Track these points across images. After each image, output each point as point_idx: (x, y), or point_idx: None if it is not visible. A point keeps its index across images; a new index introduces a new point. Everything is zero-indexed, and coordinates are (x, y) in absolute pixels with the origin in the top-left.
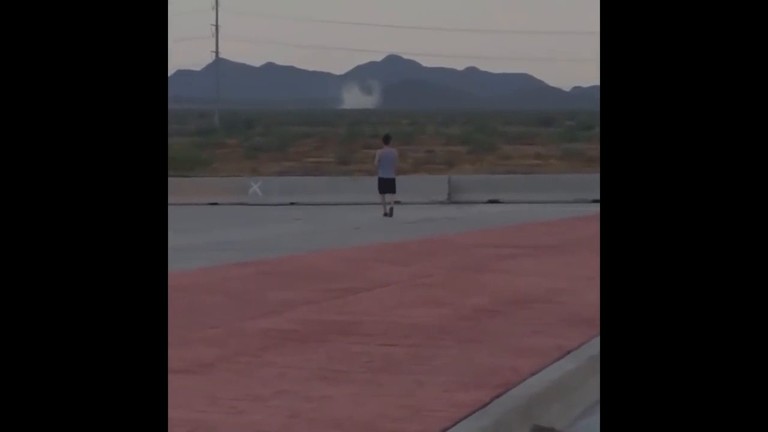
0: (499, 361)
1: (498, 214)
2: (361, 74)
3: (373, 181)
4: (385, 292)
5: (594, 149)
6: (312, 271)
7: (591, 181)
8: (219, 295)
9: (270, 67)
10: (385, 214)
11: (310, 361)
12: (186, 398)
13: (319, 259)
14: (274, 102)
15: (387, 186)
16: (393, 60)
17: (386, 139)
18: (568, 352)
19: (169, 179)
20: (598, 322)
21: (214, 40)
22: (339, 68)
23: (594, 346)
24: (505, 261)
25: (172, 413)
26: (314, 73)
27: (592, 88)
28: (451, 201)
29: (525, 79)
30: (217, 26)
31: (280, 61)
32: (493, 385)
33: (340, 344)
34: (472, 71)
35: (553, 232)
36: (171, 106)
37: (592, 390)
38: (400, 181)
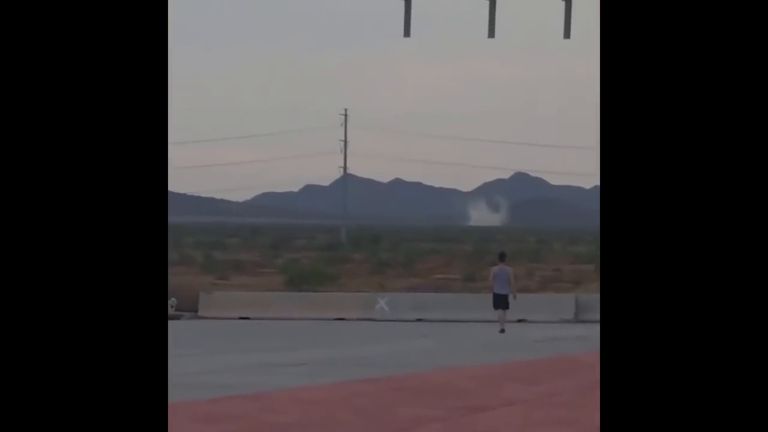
0: None
1: None
2: (489, 191)
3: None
4: (513, 410)
5: None
6: (440, 388)
7: None
8: (348, 411)
9: (397, 183)
10: (502, 331)
11: None
12: None
13: (448, 376)
14: (401, 218)
15: (500, 302)
16: (520, 177)
17: (501, 257)
18: None
19: (297, 293)
20: None
21: (342, 155)
22: (466, 185)
23: None
24: None
25: None
26: (441, 189)
27: None
28: (578, 320)
29: None
30: (345, 142)
31: (408, 177)
32: None
33: None
34: (599, 190)
35: None
36: (299, 220)
37: None
38: (527, 299)
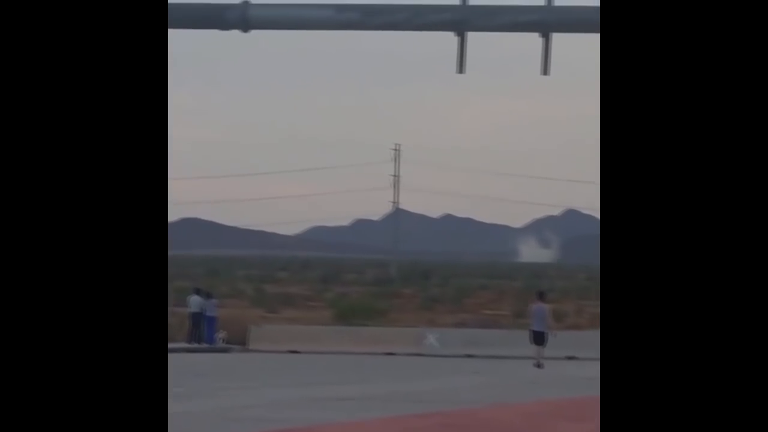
0: None
1: None
2: (539, 228)
3: (551, 336)
4: None
5: None
6: (491, 424)
7: None
8: None
9: (448, 218)
10: (538, 366)
11: None
12: None
13: (498, 412)
14: (452, 253)
15: (538, 338)
16: (571, 214)
17: (540, 296)
18: None
19: (346, 328)
20: None
21: (393, 190)
22: (517, 221)
23: None
24: None
25: None
26: (492, 225)
27: None
28: None
29: None
30: (396, 176)
31: (458, 212)
32: None
33: None
34: None
35: None
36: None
37: None
38: (577, 336)
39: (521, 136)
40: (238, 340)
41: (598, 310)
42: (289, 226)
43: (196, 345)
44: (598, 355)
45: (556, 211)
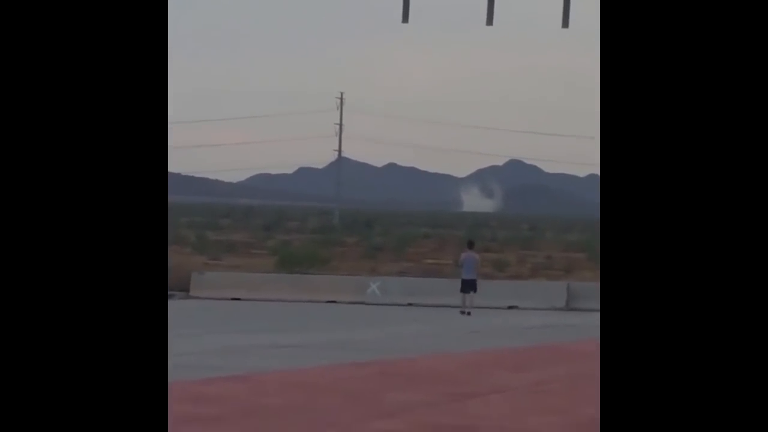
0: None
1: None
2: (483, 178)
3: (495, 285)
4: (502, 398)
5: None
6: (430, 373)
7: None
8: (337, 395)
9: (392, 167)
10: (465, 313)
11: None
12: None
13: (438, 361)
14: (395, 202)
15: (468, 286)
16: (515, 165)
17: (470, 245)
18: None
19: (289, 275)
20: None
21: (337, 139)
22: (460, 171)
23: None
24: None
25: None
26: (435, 174)
27: None
28: (569, 307)
29: None
30: (341, 125)
31: (402, 161)
32: None
33: None
34: (593, 178)
35: None
36: (292, 202)
37: None
38: (519, 286)
39: (467, 87)
40: (181, 287)
41: (540, 260)
42: (232, 174)
43: None
44: (539, 305)
45: (499, 161)
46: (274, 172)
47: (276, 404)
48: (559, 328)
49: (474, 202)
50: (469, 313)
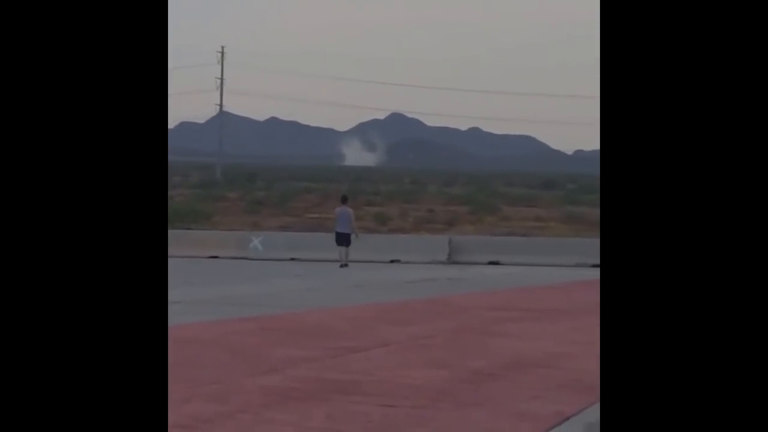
0: (499, 425)
1: (498, 276)
2: (365, 131)
3: (378, 239)
4: (385, 352)
5: (595, 213)
6: (313, 328)
7: (592, 246)
8: (220, 351)
9: (273, 121)
10: (343, 265)
11: (310, 419)
12: None
13: (321, 316)
14: (277, 156)
15: (342, 239)
16: (396, 118)
17: (343, 199)
18: (567, 418)
19: (170, 231)
20: (597, 388)
21: (218, 93)
22: (342, 125)
23: (593, 413)
24: (505, 324)
25: None
26: (317, 129)
27: (595, 152)
28: (451, 261)
29: (528, 141)
30: (222, 80)
31: (284, 116)
32: None
33: (339, 403)
34: (475, 132)
35: (554, 295)
36: (173, 157)
37: None
38: (402, 240)
39: (349, 41)
40: None
41: (422, 213)
42: None
43: None
44: (421, 258)
45: (381, 115)
46: None
47: None
48: (441, 281)
49: (356, 155)
50: (346, 265)
